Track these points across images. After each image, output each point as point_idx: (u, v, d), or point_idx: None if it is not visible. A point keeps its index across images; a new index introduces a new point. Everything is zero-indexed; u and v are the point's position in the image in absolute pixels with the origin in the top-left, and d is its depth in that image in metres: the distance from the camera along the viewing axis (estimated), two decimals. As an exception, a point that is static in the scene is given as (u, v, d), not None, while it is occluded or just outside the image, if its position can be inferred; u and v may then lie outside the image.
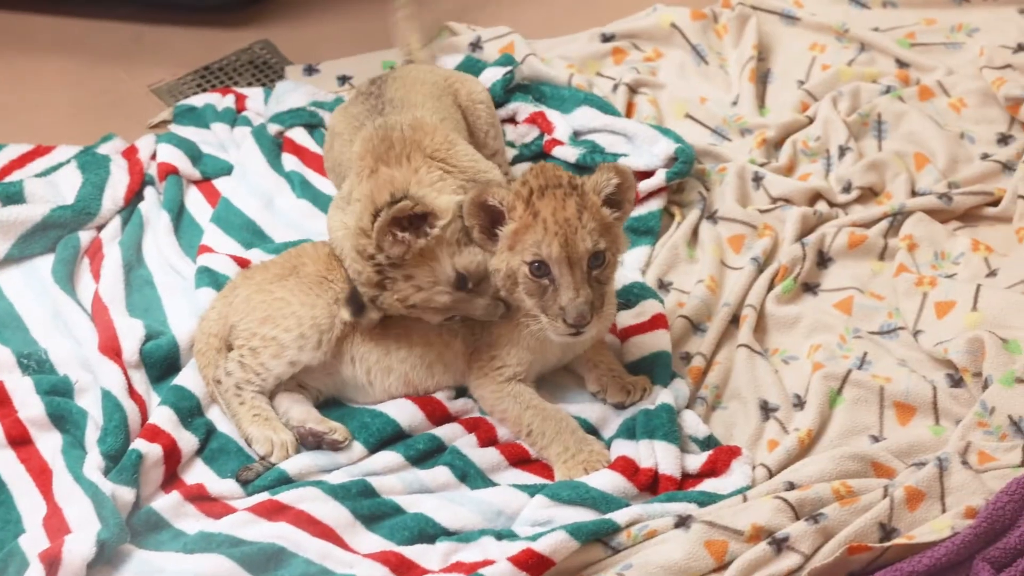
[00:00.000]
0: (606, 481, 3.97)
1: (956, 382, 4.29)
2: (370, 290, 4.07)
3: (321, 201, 4.92)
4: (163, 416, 4.17)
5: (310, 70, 5.58)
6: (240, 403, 4.15)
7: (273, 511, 3.91)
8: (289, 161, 5.10)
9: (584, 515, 3.89)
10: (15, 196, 4.89)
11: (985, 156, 5.01)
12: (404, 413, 4.21)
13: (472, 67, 5.31)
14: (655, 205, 4.86)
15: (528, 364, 4.21)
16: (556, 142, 5.05)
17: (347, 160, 4.46)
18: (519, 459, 4.15)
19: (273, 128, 5.18)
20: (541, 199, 3.95)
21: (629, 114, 5.25)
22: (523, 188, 3.99)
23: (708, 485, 4.00)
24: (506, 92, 5.22)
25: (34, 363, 4.41)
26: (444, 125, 4.46)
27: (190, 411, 4.23)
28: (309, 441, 4.12)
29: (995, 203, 4.84)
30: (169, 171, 5.01)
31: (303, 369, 4.21)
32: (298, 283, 4.25)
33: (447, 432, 4.19)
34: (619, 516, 3.85)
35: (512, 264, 4.00)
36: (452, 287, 4.05)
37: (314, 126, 5.23)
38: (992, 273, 4.59)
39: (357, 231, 4.06)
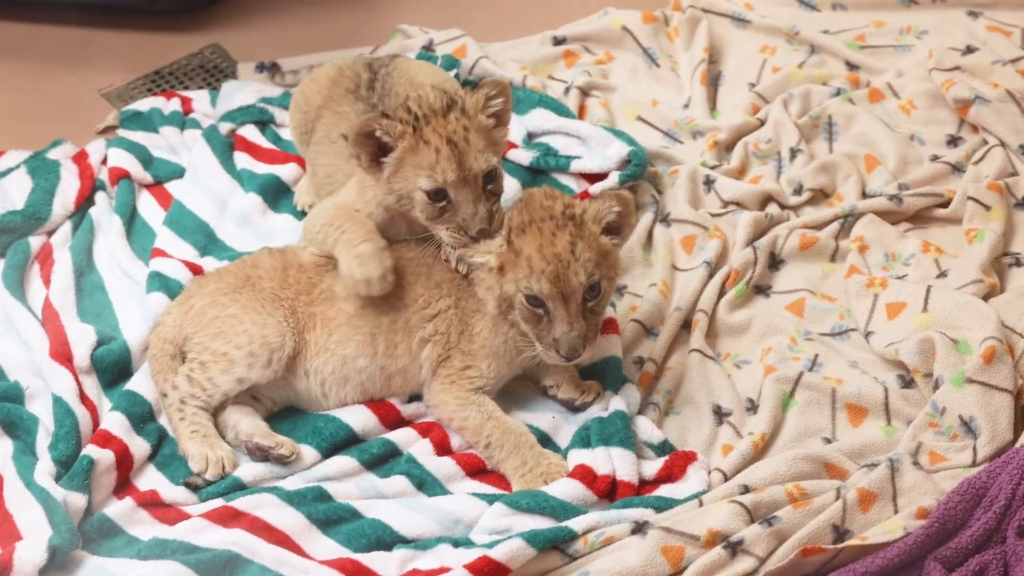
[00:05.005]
0: (565, 489, 3.96)
1: (907, 383, 4.32)
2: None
3: (268, 191, 4.92)
4: (115, 422, 4.14)
5: (262, 67, 5.56)
6: (181, 418, 4.13)
7: (228, 517, 3.90)
8: (241, 159, 5.08)
9: (543, 523, 3.88)
10: (-36, 202, 4.85)
11: (935, 158, 5.04)
12: (357, 418, 4.20)
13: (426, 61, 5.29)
14: (608, 208, 4.85)
15: (500, 378, 4.21)
16: (511, 145, 5.04)
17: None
18: (476, 469, 4.13)
19: (225, 127, 5.16)
20: (521, 236, 3.94)
21: (581, 117, 5.25)
22: (508, 222, 3.98)
23: (664, 491, 4.00)
24: (462, 91, 5.21)
25: (-16, 370, 4.38)
26: None
27: (142, 416, 4.20)
28: (257, 455, 4.10)
29: (945, 204, 4.86)
30: (120, 175, 4.98)
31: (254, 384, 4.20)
32: (252, 299, 4.23)
33: (400, 437, 4.18)
34: (576, 523, 3.85)
35: (507, 290, 3.99)
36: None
37: (265, 123, 5.21)
38: (942, 274, 4.61)
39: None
